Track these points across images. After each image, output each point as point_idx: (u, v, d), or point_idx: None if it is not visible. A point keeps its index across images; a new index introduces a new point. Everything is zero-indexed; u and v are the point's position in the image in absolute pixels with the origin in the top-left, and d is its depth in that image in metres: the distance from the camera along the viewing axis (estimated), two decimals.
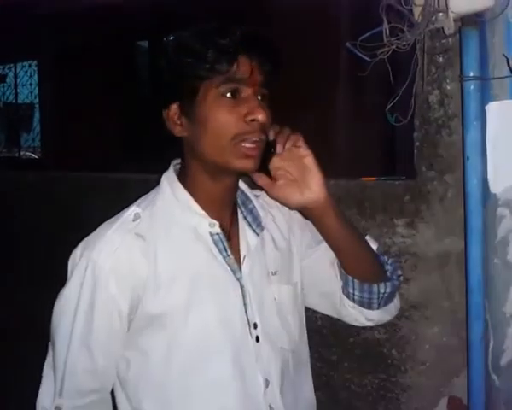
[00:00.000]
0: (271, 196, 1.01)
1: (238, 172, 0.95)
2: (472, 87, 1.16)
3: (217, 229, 0.96)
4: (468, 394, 1.27)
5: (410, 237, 1.45)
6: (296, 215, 1.09)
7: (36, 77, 6.38)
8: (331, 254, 1.06)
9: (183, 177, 0.99)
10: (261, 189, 1.03)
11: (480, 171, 1.17)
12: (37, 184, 2.57)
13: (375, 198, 1.50)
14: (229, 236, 0.99)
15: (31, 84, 6.66)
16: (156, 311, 0.92)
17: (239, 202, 1.05)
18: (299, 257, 1.09)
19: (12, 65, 6.76)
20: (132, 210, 0.97)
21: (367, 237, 1.10)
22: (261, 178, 0.98)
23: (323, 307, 1.14)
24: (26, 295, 2.31)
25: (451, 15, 1.07)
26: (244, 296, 0.97)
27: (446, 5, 1.06)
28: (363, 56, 1.12)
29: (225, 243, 0.97)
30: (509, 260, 1.14)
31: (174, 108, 0.93)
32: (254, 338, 0.96)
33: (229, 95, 0.89)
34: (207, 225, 0.96)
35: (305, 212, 1.02)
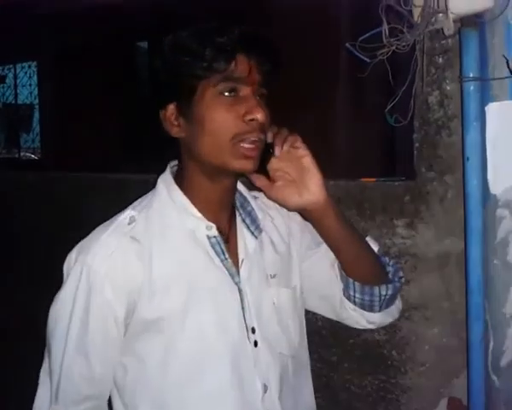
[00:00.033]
0: (270, 198, 1.00)
1: (236, 173, 0.94)
2: (472, 88, 1.16)
3: (214, 232, 0.95)
4: (468, 394, 1.27)
5: (409, 238, 1.45)
6: (295, 217, 1.07)
7: (35, 77, 6.39)
8: (331, 256, 1.04)
9: (179, 179, 0.97)
10: (259, 190, 1.01)
11: (479, 171, 1.17)
12: (37, 184, 2.57)
13: (375, 199, 1.50)
14: (228, 239, 0.98)
15: (30, 85, 6.66)
16: (152, 316, 0.90)
17: (237, 204, 1.03)
18: (299, 259, 1.08)
19: (11, 66, 6.76)
20: (128, 213, 0.95)
21: (368, 239, 1.09)
22: (259, 180, 0.97)
23: (323, 310, 1.12)
24: (26, 295, 2.32)
25: (451, 16, 1.07)
26: (242, 300, 0.95)
27: (446, 6, 1.06)
28: (363, 57, 1.12)
29: (223, 247, 0.95)
30: (509, 260, 1.14)
31: (171, 108, 0.92)
32: (252, 343, 0.95)
33: (227, 94, 0.88)
34: (204, 228, 0.94)
35: (305, 213, 1.01)
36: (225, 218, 0.99)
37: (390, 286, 1.03)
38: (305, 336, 1.08)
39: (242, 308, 0.95)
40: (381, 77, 1.20)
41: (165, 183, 0.98)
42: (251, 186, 1.02)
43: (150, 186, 1.02)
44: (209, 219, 0.95)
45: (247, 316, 0.95)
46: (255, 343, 0.95)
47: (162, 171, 1.01)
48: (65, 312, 0.91)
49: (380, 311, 1.06)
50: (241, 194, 1.05)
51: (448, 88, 1.37)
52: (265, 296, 0.98)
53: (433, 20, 1.09)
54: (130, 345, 0.92)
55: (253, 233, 1.00)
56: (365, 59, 1.13)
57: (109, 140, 4.42)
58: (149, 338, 0.91)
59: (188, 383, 0.91)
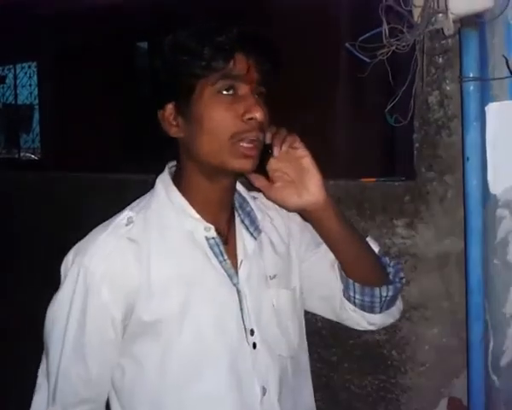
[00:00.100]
0: (269, 199, 0.99)
1: (235, 173, 0.93)
2: (472, 88, 1.16)
3: (212, 233, 0.94)
4: (468, 394, 1.27)
5: (409, 238, 1.45)
6: (295, 217, 1.07)
7: (35, 78, 6.39)
8: (331, 257, 1.04)
9: (178, 179, 0.97)
10: (259, 190, 1.01)
11: (479, 171, 1.17)
12: (37, 184, 2.57)
13: (375, 199, 1.50)
14: (227, 240, 0.97)
15: (30, 85, 6.66)
16: (150, 318, 0.89)
17: (236, 204, 1.02)
18: (299, 260, 1.07)
19: (11, 66, 6.77)
20: (125, 214, 0.94)
21: (368, 239, 1.08)
22: (258, 180, 0.97)
23: (323, 311, 1.12)
24: (26, 295, 2.32)
25: (451, 16, 1.07)
26: (241, 302, 0.94)
27: (446, 6, 1.06)
28: (363, 57, 1.12)
29: (221, 248, 0.95)
30: (509, 260, 1.14)
31: (170, 108, 0.92)
32: (251, 345, 0.94)
33: (225, 92, 0.87)
34: (203, 230, 0.94)
35: (304, 214, 1.00)
36: (224, 218, 0.98)
37: (390, 287, 1.03)
38: (305, 338, 1.08)
39: (241, 310, 0.94)
40: (381, 77, 1.20)
41: (164, 183, 0.97)
42: (250, 186, 1.01)
43: (150, 186, 1.01)
44: (208, 220, 0.94)
45: (245, 318, 0.94)
46: (254, 345, 0.94)
47: (161, 171, 1.00)
48: (62, 313, 0.90)
49: (380, 312, 1.05)
50: (240, 194, 1.04)
51: (448, 88, 1.37)
52: (265, 298, 0.98)
53: (433, 20, 1.09)
54: (128, 347, 0.91)
55: (252, 234, 1.00)
56: (365, 59, 1.13)
57: (109, 140, 4.42)
58: (147, 340, 0.90)
59: (185, 385, 0.90)
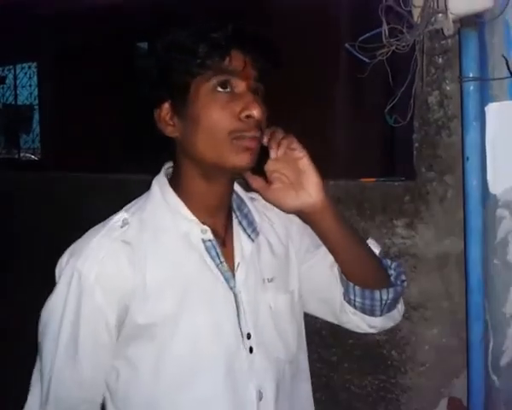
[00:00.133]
0: (266, 200, 0.98)
1: (233, 171, 0.91)
2: (471, 88, 1.16)
3: (209, 235, 0.92)
4: (468, 394, 1.27)
5: (409, 238, 1.45)
6: (294, 218, 1.04)
7: (35, 78, 6.40)
8: (331, 259, 1.02)
9: (174, 181, 0.95)
10: (256, 192, 0.99)
11: (479, 172, 1.17)
12: (37, 184, 2.57)
13: (375, 199, 1.50)
14: (224, 242, 0.96)
15: (30, 86, 6.67)
16: (144, 321, 0.88)
17: (234, 206, 1.01)
18: (298, 262, 1.05)
19: (11, 66, 6.77)
20: (120, 216, 0.93)
21: (369, 241, 1.07)
22: (256, 181, 0.95)
23: (323, 313, 1.10)
24: (26, 295, 2.31)
25: (451, 16, 1.07)
26: (237, 305, 0.93)
27: (445, 6, 1.06)
28: (363, 57, 1.12)
29: (218, 250, 0.93)
30: (509, 260, 1.14)
31: (166, 107, 0.90)
32: (248, 349, 0.92)
33: (221, 89, 0.86)
34: (199, 232, 0.92)
35: (302, 216, 0.99)
36: (222, 220, 0.96)
37: (391, 290, 1.01)
38: (304, 340, 1.06)
39: (238, 314, 0.93)
40: (380, 77, 1.20)
41: (160, 184, 0.96)
42: (248, 188, 1.00)
43: (147, 187, 1.01)
44: (205, 222, 0.93)
45: (242, 321, 0.93)
46: (250, 349, 0.93)
47: (158, 172, 0.99)
48: (56, 315, 0.89)
49: (381, 315, 1.04)
50: (238, 195, 1.03)
51: (448, 88, 1.37)
52: (262, 301, 0.96)
53: (432, 20, 1.09)
54: (123, 350, 0.90)
55: (249, 236, 0.98)
56: (365, 59, 1.12)
57: (109, 140, 4.42)
58: (142, 343, 0.89)
59: (180, 388, 0.89)
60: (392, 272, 1.06)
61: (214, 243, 0.93)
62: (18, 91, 6.85)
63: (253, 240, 0.98)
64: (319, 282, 1.06)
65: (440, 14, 1.08)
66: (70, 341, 0.88)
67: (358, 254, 1.01)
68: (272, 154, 0.92)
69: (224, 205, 0.97)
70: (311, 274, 1.05)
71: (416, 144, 1.43)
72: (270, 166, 0.94)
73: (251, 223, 1.00)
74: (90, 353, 0.89)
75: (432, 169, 1.41)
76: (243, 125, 0.86)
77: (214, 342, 0.90)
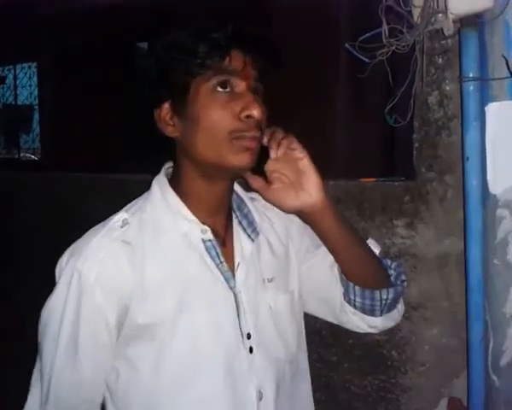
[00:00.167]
0: (266, 200, 0.97)
1: (233, 171, 0.90)
2: (471, 88, 1.16)
3: (209, 235, 0.92)
4: (468, 394, 1.27)
5: (409, 238, 1.45)
6: (295, 218, 1.04)
7: (35, 78, 6.40)
8: (331, 259, 1.02)
9: (174, 181, 0.95)
10: (256, 192, 0.99)
11: (479, 171, 1.17)
12: (37, 184, 2.57)
13: (375, 199, 1.50)
14: (224, 242, 0.95)
15: (30, 86, 6.67)
16: (144, 321, 0.88)
17: (234, 206, 1.00)
18: (298, 262, 1.05)
19: (11, 66, 6.77)
20: (120, 216, 0.93)
21: (369, 241, 1.07)
22: (256, 181, 0.95)
23: (323, 313, 1.10)
24: (26, 295, 2.32)
25: (451, 16, 1.07)
26: (237, 306, 0.93)
27: (445, 6, 1.06)
28: (363, 57, 1.12)
29: (218, 250, 0.93)
30: (509, 260, 1.14)
31: (166, 107, 0.90)
32: (248, 349, 0.92)
33: (221, 89, 0.86)
34: (199, 232, 0.92)
35: (302, 216, 0.99)
36: (222, 220, 0.96)
37: (391, 290, 1.01)
38: (304, 340, 1.06)
39: (238, 314, 0.92)
40: (380, 77, 1.20)
41: (159, 185, 0.96)
42: (248, 187, 1.00)
43: (147, 187, 1.01)
44: (205, 222, 0.92)
45: (242, 321, 0.93)
46: (250, 349, 0.93)
47: (158, 172, 0.99)
48: (56, 316, 0.89)
49: (381, 315, 1.03)
50: (238, 195, 1.02)
51: (448, 88, 1.37)
52: (262, 301, 0.96)
53: (432, 20, 1.09)
54: (123, 350, 0.90)
55: (249, 236, 0.98)
56: (365, 59, 1.12)
57: (109, 140, 4.42)
58: (141, 343, 0.89)
59: (180, 388, 0.89)
60: (392, 271, 1.06)
61: (214, 243, 0.93)
62: (18, 91, 6.85)
63: (253, 240, 0.98)
64: (319, 282, 1.06)
65: (440, 14, 1.08)
66: (70, 341, 0.88)
67: (358, 254, 1.01)
68: (272, 154, 0.92)
69: (223, 205, 0.97)
70: (310, 274, 1.05)
71: (416, 144, 1.43)
72: (270, 167, 0.94)
73: (251, 223, 0.99)
74: (90, 353, 0.89)
75: (432, 169, 1.41)
76: (243, 125, 0.86)
77: (214, 342, 0.90)
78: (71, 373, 0.89)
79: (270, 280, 0.99)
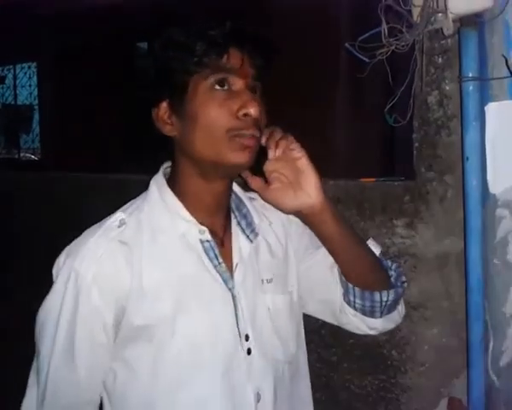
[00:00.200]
0: (265, 200, 0.97)
1: (231, 169, 0.90)
2: (471, 88, 1.16)
3: (207, 236, 0.92)
4: (468, 394, 1.27)
5: (409, 238, 1.45)
6: (294, 218, 1.03)
7: (35, 78, 6.40)
8: (331, 260, 1.01)
9: (173, 180, 0.95)
10: (255, 192, 0.99)
11: (479, 171, 1.17)
12: (37, 184, 2.57)
13: (375, 199, 1.50)
14: (222, 242, 0.95)
15: (30, 86, 6.67)
16: (141, 322, 0.87)
17: (233, 206, 1.00)
18: (297, 262, 1.05)
19: (11, 66, 6.77)
20: (117, 216, 0.92)
21: (369, 242, 1.06)
22: (255, 181, 0.94)
23: (323, 314, 1.09)
24: (26, 295, 2.32)
25: (450, 16, 1.07)
26: (236, 307, 0.92)
27: (445, 6, 1.06)
28: (362, 57, 1.12)
29: (216, 251, 0.92)
30: (509, 260, 1.14)
31: (164, 106, 0.90)
32: (246, 351, 0.92)
33: (218, 87, 0.85)
34: (197, 232, 0.91)
35: (301, 216, 0.98)
36: (220, 220, 0.96)
37: (391, 291, 1.00)
38: (304, 341, 1.06)
39: (236, 315, 0.92)
40: (380, 77, 1.20)
41: (157, 184, 0.95)
42: (247, 187, 1.00)
43: (145, 187, 1.00)
44: (203, 222, 0.92)
45: (240, 323, 0.92)
46: (248, 351, 0.92)
47: (157, 172, 0.99)
48: (52, 316, 0.89)
49: (381, 317, 1.03)
50: (237, 196, 1.02)
51: (447, 88, 1.37)
52: (260, 302, 0.96)
53: (432, 19, 1.09)
54: (120, 351, 0.89)
55: (248, 237, 0.97)
56: (365, 59, 1.12)
57: (109, 140, 4.43)
58: (139, 344, 0.88)
59: (178, 389, 0.88)
60: (392, 273, 1.05)
61: (212, 243, 0.92)
62: (18, 91, 6.85)
63: (251, 241, 0.98)
64: (318, 282, 1.05)
65: (440, 14, 1.08)
66: (67, 341, 0.88)
67: (358, 255, 1.00)
68: (270, 154, 0.91)
69: (222, 205, 0.96)
70: (310, 275, 1.05)
71: (416, 144, 1.43)
72: (269, 167, 0.93)
73: (249, 223, 0.99)
74: (87, 353, 0.89)
75: (432, 169, 1.41)
76: (241, 123, 0.86)
77: (212, 343, 0.90)
78: (68, 373, 0.89)
79: (269, 281, 0.98)
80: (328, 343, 1.58)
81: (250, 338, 0.93)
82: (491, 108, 1.13)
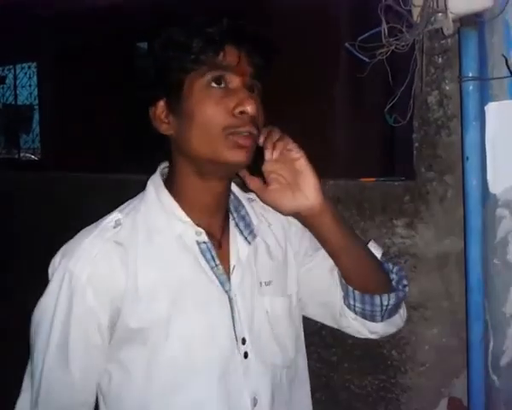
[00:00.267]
0: (263, 201, 0.96)
1: (228, 167, 0.88)
2: (471, 87, 1.16)
3: (203, 237, 0.91)
4: (468, 394, 1.27)
5: (409, 238, 1.45)
6: (293, 220, 1.02)
7: (35, 78, 6.40)
8: (331, 262, 1.00)
9: (170, 181, 0.94)
10: (254, 193, 0.98)
11: (479, 171, 1.17)
12: (37, 184, 2.57)
13: (375, 199, 1.49)
14: (220, 244, 0.94)
15: (30, 86, 6.67)
16: (136, 325, 0.86)
17: (231, 207, 0.99)
18: (297, 265, 1.03)
19: (11, 66, 6.78)
20: (113, 216, 0.92)
21: (370, 244, 1.05)
22: (253, 182, 0.93)
23: (323, 317, 1.08)
24: (26, 295, 2.31)
25: (450, 16, 1.07)
26: (232, 310, 0.91)
27: (445, 6, 1.06)
28: (362, 57, 1.12)
29: (213, 253, 0.91)
30: (509, 260, 1.14)
31: (161, 105, 0.89)
32: (242, 354, 0.91)
33: (215, 85, 0.85)
34: (194, 234, 0.90)
35: (300, 218, 0.96)
36: (218, 222, 0.95)
37: (392, 295, 0.99)
38: (303, 345, 1.05)
39: (233, 318, 0.91)
40: (380, 77, 1.20)
41: (155, 185, 0.95)
42: (246, 188, 0.99)
43: (142, 188, 1.00)
44: (200, 223, 0.91)
45: (237, 326, 0.91)
46: (245, 355, 0.91)
47: (154, 172, 0.98)
48: (47, 316, 0.88)
49: (382, 321, 1.02)
50: (236, 196, 1.01)
51: (447, 88, 1.37)
52: (258, 305, 0.95)
53: (432, 19, 1.09)
54: (115, 353, 0.89)
55: (246, 238, 0.96)
56: (364, 59, 1.12)
57: (109, 140, 4.42)
58: (134, 346, 0.87)
59: (173, 392, 0.87)
60: (393, 276, 1.04)
61: (209, 245, 0.91)
62: (18, 91, 6.85)
63: (249, 242, 0.96)
64: (318, 285, 1.04)
65: (440, 14, 1.08)
66: (61, 342, 0.87)
67: (359, 258, 0.98)
68: (267, 155, 0.90)
69: (220, 206, 0.95)
70: (310, 277, 1.04)
71: (416, 144, 1.43)
72: (267, 167, 0.92)
73: (248, 225, 0.98)
74: (82, 354, 0.88)
75: (432, 169, 1.41)
76: (237, 120, 0.85)
77: (208, 345, 0.89)
78: (62, 374, 0.88)
79: (268, 283, 0.97)
80: (328, 343, 1.58)
81: (247, 342, 0.92)
82: (491, 108, 1.13)
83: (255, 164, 0.91)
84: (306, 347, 1.08)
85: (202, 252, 0.91)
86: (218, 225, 0.95)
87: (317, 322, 1.53)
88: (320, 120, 3.49)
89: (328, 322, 1.08)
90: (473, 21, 1.13)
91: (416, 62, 1.17)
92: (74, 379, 0.88)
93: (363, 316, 1.01)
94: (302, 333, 1.05)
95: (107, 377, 0.90)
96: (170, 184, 0.94)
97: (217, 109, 0.84)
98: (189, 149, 0.88)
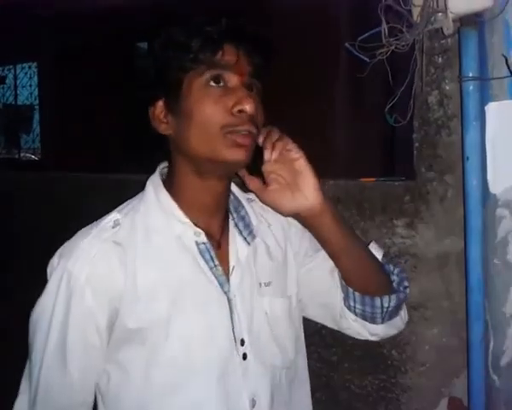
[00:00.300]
0: (263, 202, 0.95)
1: (226, 166, 0.88)
2: (471, 87, 1.16)
3: (203, 238, 0.90)
4: (468, 394, 1.27)
5: (409, 238, 1.45)
6: (293, 221, 1.01)
7: (35, 78, 6.41)
8: (331, 263, 0.99)
9: (169, 181, 0.94)
10: (253, 193, 0.98)
11: (479, 171, 1.17)
12: (37, 184, 2.57)
13: (375, 199, 1.49)
14: (219, 244, 0.93)
15: (30, 86, 6.68)
16: (134, 325, 0.86)
17: (231, 207, 0.98)
18: (297, 265, 1.03)
19: (12, 66, 6.78)
20: (112, 216, 0.91)
21: (371, 245, 1.04)
22: (253, 182, 0.93)
23: (323, 319, 1.08)
24: (26, 295, 2.31)
25: (450, 16, 1.06)
26: (231, 310, 0.91)
27: (445, 5, 1.06)
28: (362, 57, 1.12)
29: (212, 253, 0.91)
30: (509, 260, 1.14)
31: (160, 105, 0.89)
32: (241, 356, 0.90)
33: (214, 84, 0.85)
34: (192, 234, 0.90)
35: (300, 219, 0.96)
36: (217, 222, 0.95)
37: (393, 297, 0.98)
38: (303, 346, 1.05)
39: (232, 319, 0.90)
40: (380, 77, 1.20)
41: (154, 185, 0.94)
42: (245, 188, 0.99)
43: (141, 188, 0.99)
44: (199, 224, 0.91)
45: (236, 327, 0.91)
46: (244, 356, 0.91)
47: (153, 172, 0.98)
48: (45, 316, 0.88)
49: (382, 322, 1.01)
50: (235, 197, 1.01)
51: (447, 88, 1.37)
52: (257, 306, 0.94)
53: (432, 19, 1.09)
54: (114, 353, 0.89)
55: (245, 239, 0.96)
56: (365, 59, 1.12)
57: (109, 140, 4.43)
58: (132, 346, 0.87)
59: (171, 393, 0.87)
60: (394, 277, 1.04)
61: (208, 245, 0.91)
62: (18, 91, 6.86)
63: (249, 243, 0.96)
64: (318, 286, 1.03)
65: (440, 14, 1.08)
66: (59, 342, 0.87)
67: (359, 259, 0.98)
68: (267, 155, 0.90)
69: (219, 206, 0.95)
70: (310, 278, 1.03)
71: (416, 144, 1.42)
72: (267, 168, 0.92)
73: (247, 225, 0.97)
74: (80, 355, 0.88)
75: (432, 169, 1.41)
76: (236, 119, 0.85)
77: (207, 346, 0.88)
78: (60, 374, 0.88)
79: (267, 284, 0.97)
80: (328, 343, 1.58)
81: (246, 343, 0.91)
82: (491, 108, 1.13)
83: (254, 164, 0.90)
84: (306, 347, 1.08)
85: (201, 252, 0.91)
86: (217, 225, 0.95)
87: (317, 322, 1.53)
88: (320, 119, 3.49)
89: (329, 323, 1.07)
90: (473, 21, 1.13)
91: (416, 62, 1.17)
92: (73, 379, 0.88)
93: (364, 318, 1.00)
94: (302, 334, 1.05)
95: (105, 377, 0.90)
96: (169, 184, 0.94)
97: (215, 108, 0.84)
98: (188, 148, 0.87)
